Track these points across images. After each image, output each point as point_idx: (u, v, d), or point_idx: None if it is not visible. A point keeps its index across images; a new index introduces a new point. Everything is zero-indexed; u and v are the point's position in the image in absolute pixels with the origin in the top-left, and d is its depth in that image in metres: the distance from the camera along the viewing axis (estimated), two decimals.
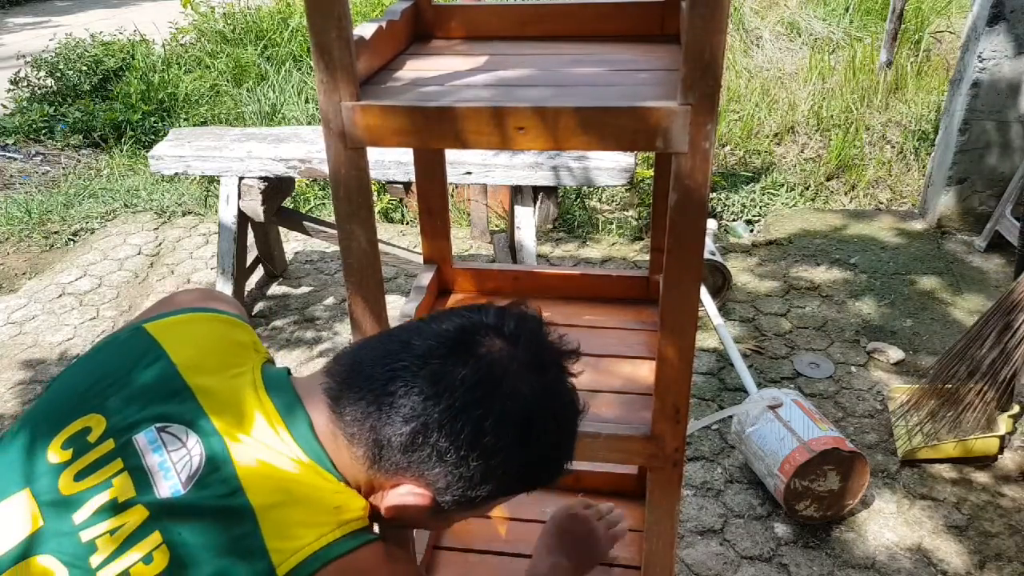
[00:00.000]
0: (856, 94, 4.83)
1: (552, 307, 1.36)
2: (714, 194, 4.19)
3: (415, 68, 1.05)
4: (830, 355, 3.01)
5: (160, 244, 4.08)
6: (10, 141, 5.28)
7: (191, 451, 0.76)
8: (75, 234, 4.19)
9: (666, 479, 1.03)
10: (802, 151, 4.61)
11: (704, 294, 2.92)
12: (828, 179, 4.40)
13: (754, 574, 2.16)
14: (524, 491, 0.87)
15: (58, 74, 5.66)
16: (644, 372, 1.18)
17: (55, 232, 4.19)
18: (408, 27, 1.15)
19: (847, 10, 5.89)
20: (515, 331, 0.82)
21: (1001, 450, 2.50)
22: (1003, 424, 2.46)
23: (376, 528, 0.92)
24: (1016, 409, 2.51)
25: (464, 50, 1.13)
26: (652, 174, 1.37)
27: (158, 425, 0.78)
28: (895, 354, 2.98)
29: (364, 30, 0.98)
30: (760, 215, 4.15)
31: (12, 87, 5.70)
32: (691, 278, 0.88)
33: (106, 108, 5.44)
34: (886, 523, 2.30)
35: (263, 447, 0.78)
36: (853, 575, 2.15)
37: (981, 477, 2.45)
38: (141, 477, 0.75)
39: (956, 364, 2.50)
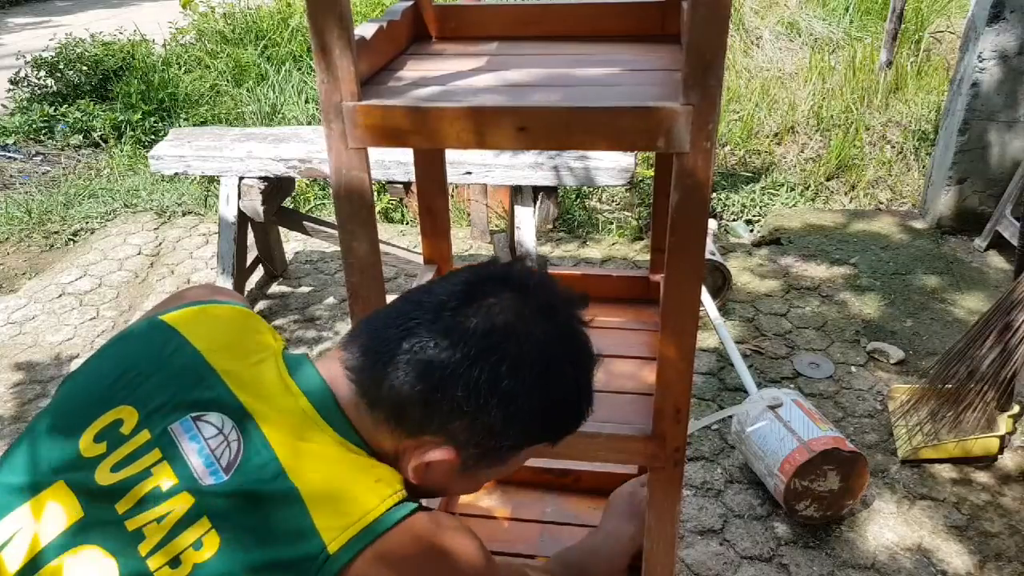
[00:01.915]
0: (856, 94, 4.83)
1: None
2: (714, 194, 4.19)
3: (416, 68, 1.05)
4: (830, 355, 3.01)
5: (160, 244, 4.08)
6: (10, 141, 5.28)
7: (228, 437, 0.77)
8: (75, 234, 4.19)
9: (666, 479, 1.03)
10: (802, 151, 4.61)
11: (704, 294, 2.92)
12: (828, 179, 4.40)
13: (754, 574, 2.16)
14: (547, 440, 0.87)
15: (58, 74, 5.67)
16: (644, 372, 1.18)
17: (55, 232, 4.19)
18: (409, 27, 1.15)
19: (847, 10, 5.90)
20: (523, 281, 0.84)
21: (1001, 450, 2.50)
22: (1003, 424, 2.47)
23: None
24: (1016, 409, 2.51)
25: (465, 50, 1.13)
26: (652, 174, 1.37)
27: (193, 414, 0.78)
28: (895, 354, 2.98)
29: (365, 30, 0.98)
30: (760, 215, 4.15)
31: (12, 87, 5.70)
32: (692, 278, 0.88)
33: (106, 108, 5.44)
34: (886, 523, 2.30)
35: (296, 429, 0.79)
36: (853, 575, 2.15)
37: (981, 477, 2.45)
38: (181, 466, 0.76)
39: (956, 364, 2.50)
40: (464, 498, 1.56)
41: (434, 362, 0.78)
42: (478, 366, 0.78)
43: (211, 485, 0.75)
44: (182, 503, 0.74)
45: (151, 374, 0.82)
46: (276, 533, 0.73)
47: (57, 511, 0.75)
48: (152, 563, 0.72)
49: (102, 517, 0.74)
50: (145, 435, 0.78)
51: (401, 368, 0.79)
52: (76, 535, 0.74)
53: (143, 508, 0.74)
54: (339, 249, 0.96)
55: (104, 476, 0.76)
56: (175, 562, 0.72)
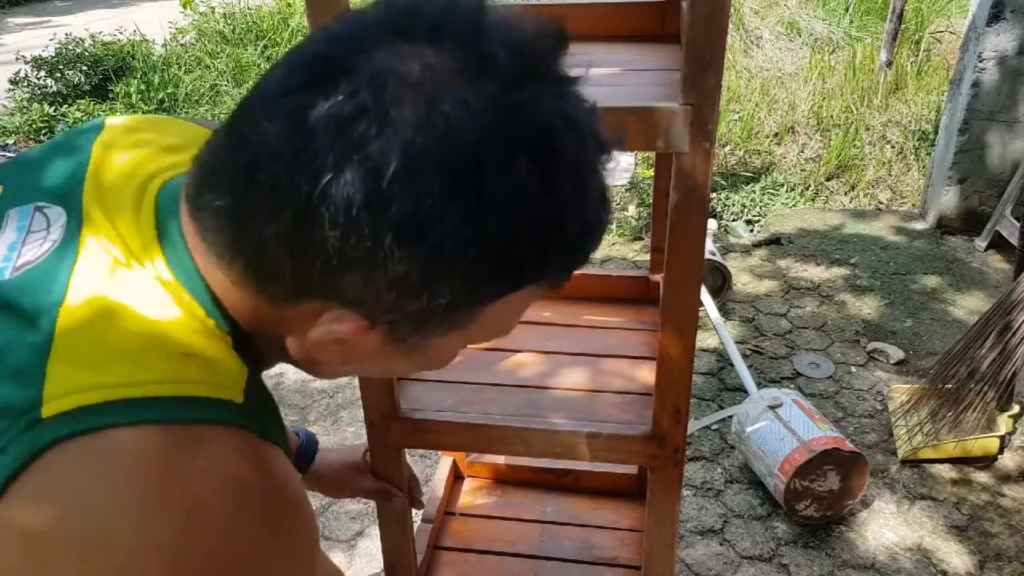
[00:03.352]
0: (856, 94, 4.83)
1: (552, 307, 1.36)
2: (714, 194, 4.20)
3: None
4: (830, 355, 3.01)
5: None
6: (10, 141, 5.28)
7: (48, 238, 0.57)
8: None
9: (666, 479, 1.03)
10: (802, 151, 4.61)
11: (704, 294, 2.92)
12: (828, 179, 4.40)
13: (754, 574, 2.16)
14: (529, 283, 0.53)
15: (58, 74, 5.67)
16: (644, 372, 1.18)
17: None
18: None
19: (847, 10, 5.90)
20: (439, 22, 0.48)
21: (1001, 450, 2.50)
22: (1003, 424, 2.47)
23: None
24: (1016, 409, 2.51)
25: None
26: (652, 174, 1.37)
27: (40, 203, 0.60)
28: (895, 354, 2.98)
29: None
30: (760, 215, 4.15)
31: (12, 87, 5.70)
32: (691, 278, 0.88)
33: (106, 108, 5.44)
34: (886, 523, 2.30)
35: (119, 258, 0.55)
36: (853, 575, 2.15)
37: (981, 477, 2.45)
38: None
39: (956, 364, 2.50)
40: (464, 498, 1.55)
41: (281, 185, 0.46)
42: (344, 180, 0.44)
43: None
44: None
45: (44, 160, 0.65)
46: (5, 363, 0.51)
47: None
48: None
49: None
50: None
51: (242, 201, 0.50)
52: None
53: None
54: None
55: None
56: None
